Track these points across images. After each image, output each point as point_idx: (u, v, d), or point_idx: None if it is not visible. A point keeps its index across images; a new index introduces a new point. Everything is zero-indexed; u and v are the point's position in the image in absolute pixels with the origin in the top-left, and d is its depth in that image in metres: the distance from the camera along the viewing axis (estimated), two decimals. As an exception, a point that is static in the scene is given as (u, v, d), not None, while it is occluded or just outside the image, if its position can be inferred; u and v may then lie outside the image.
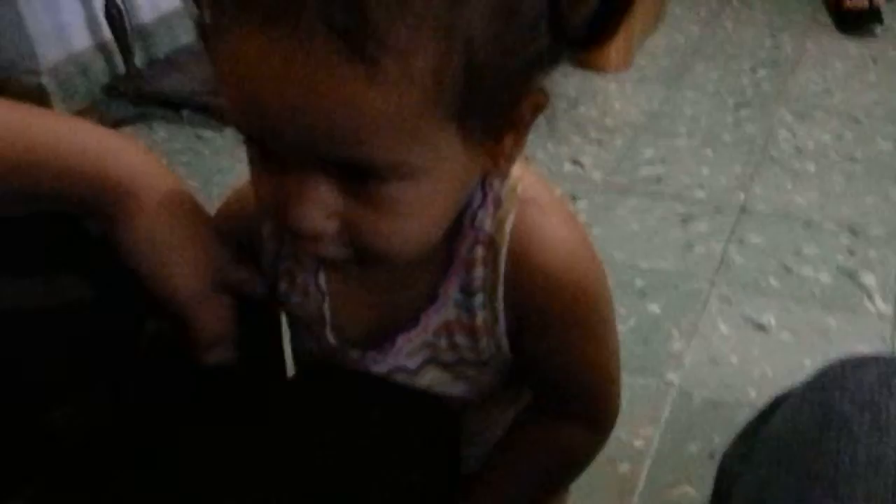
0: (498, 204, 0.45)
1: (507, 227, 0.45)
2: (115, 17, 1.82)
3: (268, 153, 0.38)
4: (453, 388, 0.52)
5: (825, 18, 2.17)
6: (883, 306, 1.16)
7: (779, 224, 1.36)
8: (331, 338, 0.51)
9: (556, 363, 0.50)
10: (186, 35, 2.11)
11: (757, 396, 1.02)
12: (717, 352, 1.09)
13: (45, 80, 1.84)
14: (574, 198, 1.45)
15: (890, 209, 1.38)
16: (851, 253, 1.28)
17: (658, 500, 0.91)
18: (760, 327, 1.13)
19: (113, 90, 1.93)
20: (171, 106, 1.87)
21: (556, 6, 0.37)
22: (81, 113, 1.89)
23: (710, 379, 1.05)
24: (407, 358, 0.50)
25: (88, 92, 1.93)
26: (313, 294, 0.51)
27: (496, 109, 0.38)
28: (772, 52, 2.02)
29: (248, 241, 0.52)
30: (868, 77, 1.86)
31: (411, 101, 0.33)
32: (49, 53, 1.84)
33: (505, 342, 0.49)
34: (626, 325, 1.14)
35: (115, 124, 1.83)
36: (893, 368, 0.35)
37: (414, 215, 0.39)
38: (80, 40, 1.91)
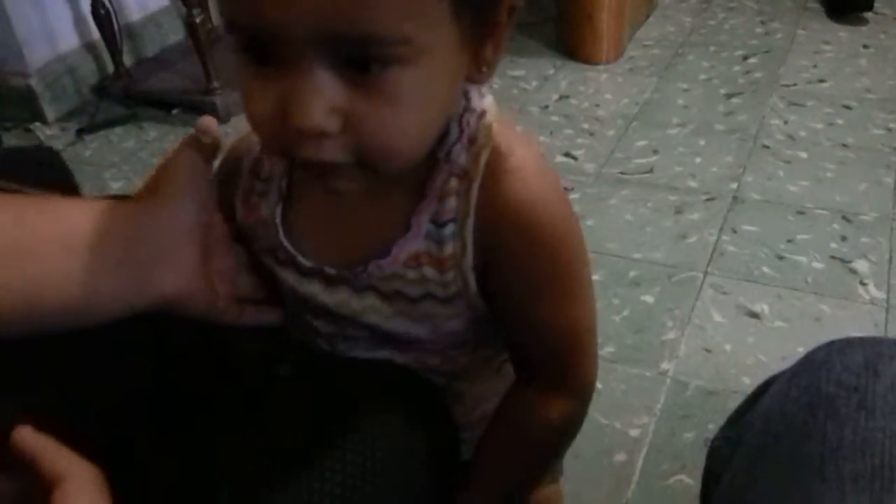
0: (473, 140, 0.47)
1: (482, 160, 0.46)
2: (102, 16, 1.81)
3: (265, 56, 0.38)
4: (418, 328, 0.52)
5: (816, 5, 2.17)
6: (876, 292, 1.16)
7: (771, 212, 1.36)
8: (303, 260, 0.51)
9: (525, 312, 0.50)
10: (175, 34, 2.10)
11: (751, 384, 1.00)
12: (710, 341, 1.09)
13: (33, 81, 1.83)
14: (567, 190, 1.44)
15: (882, 195, 1.38)
16: (844, 239, 1.28)
17: (654, 489, 0.91)
18: (754, 315, 1.13)
19: (102, 90, 1.93)
20: (161, 105, 1.87)
21: None
22: (71, 114, 1.89)
23: (705, 368, 1.05)
24: (378, 284, 0.51)
25: (77, 92, 1.92)
26: (272, 229, 0.52)
27: (485, 11, 0.40)
28: (763, 40, 2.01)
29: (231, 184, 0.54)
30: (859, 63, 1.86)
31: None
32: (37, 54, 1.84)
33: (472, 278, 0.49)
34: (619, 316, 1.14)
35: (105, 124, 1.82)
36: (879, 350, 0.34)
37: (414, 104, 0.40)
38: (68, 41, 1.90)
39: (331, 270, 0.51)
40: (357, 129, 0.39)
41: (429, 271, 0.49)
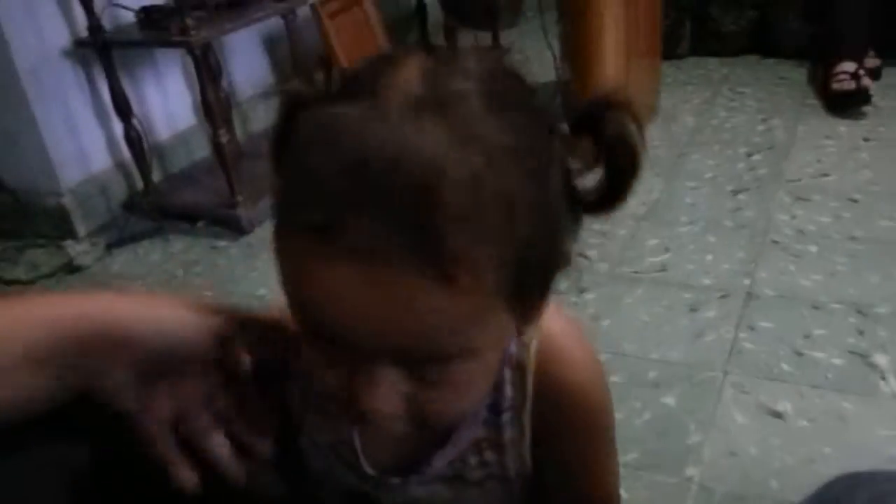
0: (521, 331, 0.49)
1: (532, 351, 0.50)
2: (133, 138, 1.91)
3: (333, 349, 0.40)
4: None
5: (814, 101, 2.25)
6: (898, 387, 1.16)
7: (786, 308, 1.37)
8: (368, 469, 0.53)
9: (571, 483, 0.53)
10: (201, 150, 2.20)
11: (779, 488, 1.01)
12: (735, 443, 1.09)
13: (65, 200, 1.92)
14: (581, 290, 1.47)
15: (895, 287, 1.40)
16: (861, 333, 1.29)
17: None
18: (777, 415, 1.13)
19: (131, 206, 2.01)
20: (188, 218, 1.94)
21: (574, 190, 0.43)
22: (101, 229, 1.96)
23: (731, 472, 1.04)
24: (442, 471, 0.53)
25: (107, 209, 2.01)
26: (343, 425, 0.53)
27: (539, 288, 0.43)
28: (765, 136, 2.08)
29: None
30: (861, 157, 1.91)
31: (480, 301, 0.38)
32: (70, 175, 1.93)
33: (529, 456, 0.52)
34: (641, 419, 1.14)
35: (133, 238, 1.89)
36: (884, 489, 0.36)
37: (474, 387, 0.43)
38: (100, 161, 2.00)
39: (394, 480, 0.53)
40: (422, 409, 0.41)
41: (489, 455, 0.52)
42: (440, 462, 0.52)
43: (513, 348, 0.50)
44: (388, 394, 0.40)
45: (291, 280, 0.40)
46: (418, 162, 0.35)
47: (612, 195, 0.44)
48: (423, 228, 0.34)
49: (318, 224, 0.36)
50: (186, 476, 0.48)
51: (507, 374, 0.50)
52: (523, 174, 0.38)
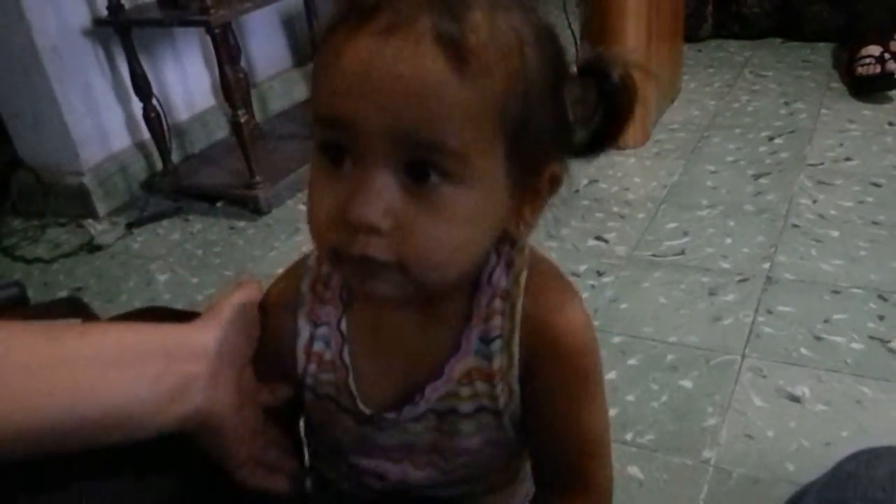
0: (510, 263, 0.52)
1: (522, 281, 0.52)
2: (153, 118, 1.92)
3: (339, 158, 0.44)
4: (471, 440, 0.56)
5: (839, 86, 2.21)
6: (918, 373, 1.15)
7: (806, 292, 1.36)
8: (364, 408, 0.55)
9: (556, 420, 0.54)
10: (220, 131, 2.21)
11: (795, 471, 1.00)
12: (752, 426, 1.09)
13: (86, 179, 1.93)
14: (599, 273, 1.47)
15: (918, 273, 1.38)
16: (881, 319, 1.27)
17: (702, 583, 0.89)
18: (795, 399, 1.13)
19: (151, 186, 2.02)
20: (207, 199, 1.95)
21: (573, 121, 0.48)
22: (121, 209, 1.98)
23: (747, 455, 1.04)
24: (435, 405, 0.54)
25: (127, 189, 2.02)
26: (339, 368, 0.55)
27: (531, 157, 0.46)
28: (787, 120, 2.06)
29: (284, 332, 0.56)
30: (886, 141, 1.88)
31: (484, 98, 0.42)
32: (91, 155, 1.95)
33: (517, 388, 0.53)
34: (658, 402, 1.14)
35: (153, 218, 1.91)
36: (905, 461, 0.36)
37: (459, 222, 0.44)
38: (120, 141, 2.02)
39: (389, 415, 0.55)
40: (405, 233, 0.43)
41: (480, 385, 0.53)
42: (433, 394, 0.53)
43: (503, 280, 0.52)
44: (379, 203, 0.42)
45: (328, 66, 0.43)
46: None
47: (603, 139, 0.50)
48: (454, 16, 0.41)
49: (369, 3, 0.42)
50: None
51: (498, 303, 0.52)
52: (538, 47, 0.45)
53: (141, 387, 0.49)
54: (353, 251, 0.43)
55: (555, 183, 0.49)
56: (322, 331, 0.56)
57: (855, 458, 0.39)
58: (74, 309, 0.76)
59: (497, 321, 0.52)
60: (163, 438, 0.51)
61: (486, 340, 0.52)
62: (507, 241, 0.52)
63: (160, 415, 0.50)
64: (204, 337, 0.52)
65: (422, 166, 0.42)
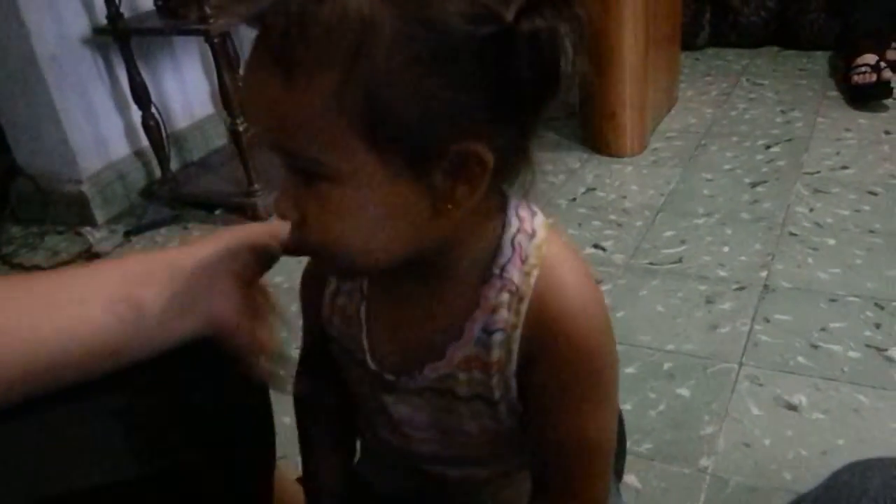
0: (525, 259, 0.52)
1: (532, 279, 0.52)
2: (151, 127, 1.93)
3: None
4: (469, 424, 0.58)
5: (835, 94, 2.22)
6: (915, 381, 1.15)
7: (803, 300, 1.37)
8: (371, 363, 0.58)
9: (553, 416, 0.54)
10: (219, 139, 2.21)
11: (792, 480, 1.01)
12: (749, 434, 1.09)
13: (85, 187, 1.94)
14: (597, 282, 1.47)
15: (914, 281, 1.39)
16: (878, 327, 1.28)
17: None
18: (792, 407, 1.13)
19: (149, 193, 2.03)
20: (205, 206, 1.95)
21: (501, 85, 0.43)
22: (119, 216, 1.98)
23: (745, 463, 1.04)
24: (433, 384, 0.57)
25: (126, 196, 2.03)
26: (356, 326, 0.59)
27: (414, 145, 0.44)
28: (784, 129, 2.06)
29: (317, 285, 0.62)
30: (882, 150, 1.89)
31: (314, 107, 0.43)
32: (89, 162, 1.95)
33: (514, 383, 0.54)
34: (656, 411, 1.15)
35: (151, 226, 1.91)
36: (895, 473, 0.36)
37: (343, 218, 0.47)
38: (119, 149, 2.02)
39: (389, 377, 0.58)
40: (309, 224, 0.48)
41: (477, 374, 0.54)
42: (431, 373, 0.55)
43: (515, 275, 0.52)
44: (283, 193, 0.48)
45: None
46: None
47: (536, 99, 0.46)
48: (286, 36, 0.42)
49: (248, 13, 0.45)
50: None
51: (505, 297, 0.52)
52: (399, 23, 0.42)
53: (153, 305, 0.55)
54: (290, 236, 0.50)
55: (483, 164, 0.45)
56: (346, 287, 0.60)
57: (848, 469, 0.39)
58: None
59: (502, 314, 0.52)
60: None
61: (488, 332, 0.53)
62: (523, 233, 0.52)
63: (176, 324, 0.56)
64: (201, 252, 0.58)
65: (299, 169, 0.47)
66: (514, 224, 0.53)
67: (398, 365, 0.57)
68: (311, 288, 0.63)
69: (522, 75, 0.43)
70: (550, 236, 0.54)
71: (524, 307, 0.52)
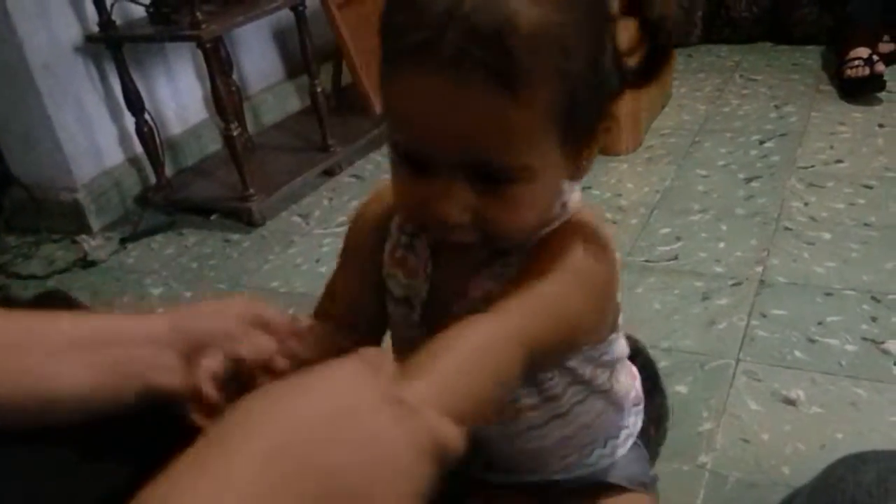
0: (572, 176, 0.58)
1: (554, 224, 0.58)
2: (146, 133, 1.93)
3: (418, 165, 0.51)
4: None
5: (828, 88, 2.23)
6: (912, 374, 1.16)
7: (799, 295, 1.37)
8: (422, 316, 0.62)
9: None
10: (213, 144, 2.21)
11: (791, 474, 1.01)
12: (748, 430, 1.09)
13: (80, 195, 1.93)
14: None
15: (910, 274, 1.39)
16: (874, 320, 1.28)
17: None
18: (790, 402, 1.13)
19: (144, 200, 2.02)
20: (201, 212, 1.95)
21: (620, 61, 0.54)
22: (114, 224, 1.98)
23: (743, 459, 1.04)
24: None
25: (121, 203, 2.03)
26: (420, 275, 0.62)
27: (585, 129, 0.53)
28: (778, 124, 2.07)
29: (373, 239, 0.65)
30: (876, 143, 1.89)
31: (537, 119, 0.49)
32: (84, 170, 1.95)
33: None
34: (653, 407, 1.14)
35: (147, 232, 1.91)
36: (890, 466, 0.36)
37: (529, 208, 0.52)
38: (113, 156, 2.02)
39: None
40: (484, 222, 0.52)
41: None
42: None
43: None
44: (458, 204, 0.50)
45: (393, 99, 0.51)
46: (501, 3, 0.46)
47: (649, 71, 0.56)
48: (500, 49, 0.45)
49: (421, 40, 0.46)
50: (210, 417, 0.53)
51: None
52: (581, 32, 0.49)
53: (91, 372, 0.53)
54: (443, 237, 0.54)
55: (607, 129, 0.55)
56: (406, 240, 0.63)
57: (843, 462, 0.40)
58: (60, 300, 0.78)
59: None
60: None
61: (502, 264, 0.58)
62: (574, 181, 0.58)
63: (115, 394, 0.54)
64: (152, 326, 0.57)
65: (488, 177, 0.50)
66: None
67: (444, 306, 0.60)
68: (370, 240, 0.65)
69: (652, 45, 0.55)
70: (584, 206, 0.60)
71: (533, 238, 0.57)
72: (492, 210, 0.51)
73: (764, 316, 1.32)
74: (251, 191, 1.86)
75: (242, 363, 0.55)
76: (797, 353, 1.23)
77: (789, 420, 1.10)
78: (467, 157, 0.49)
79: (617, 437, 0.73)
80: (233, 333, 0.56)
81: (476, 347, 0.47)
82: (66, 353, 0.53)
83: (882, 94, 2.10)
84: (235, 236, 1.85)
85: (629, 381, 0.73)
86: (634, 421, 0.76)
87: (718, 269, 1.47)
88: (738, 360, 1.23)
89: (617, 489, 0.73)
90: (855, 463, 0.38)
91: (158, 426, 0.53)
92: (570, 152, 0.53)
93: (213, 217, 1.94)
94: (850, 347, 1.23)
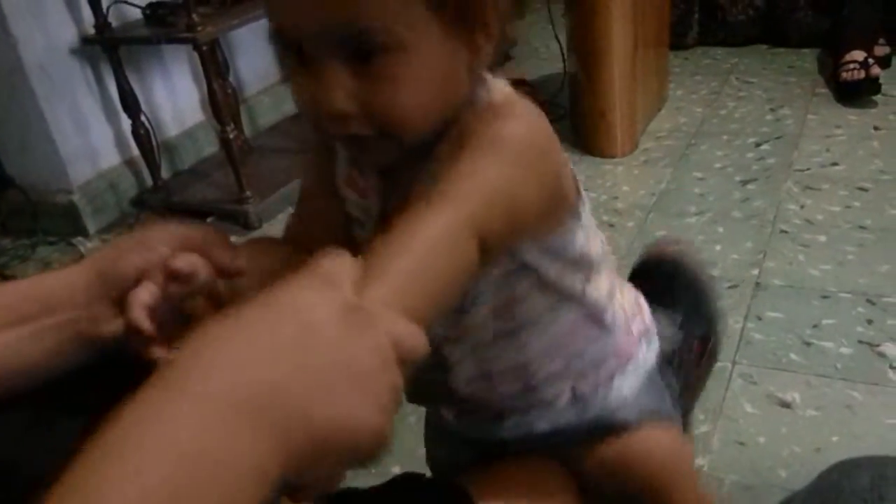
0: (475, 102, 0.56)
1: (478, 108, 0.55)
2: (142, 135, 1.92)
3: (299, 56, 0.50)
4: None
5: (824, 91, 2.23)
6: (907, 376, 1.16)
7: (795, 297, 1.37)
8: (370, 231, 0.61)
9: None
10: (209, 146, 2.21)
11: (787, 477, 1.01)
12: (744, 433, 1.09)
13: (76, 197, 1.93)
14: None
15: (905, 276, 1.39)
16: (870, 323, 1.28)
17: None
18: (785, 405, 1.13)
19: (141, 203, 2.02)
20: (197, 214, 1.95)
21: None
22: (111, 226, 1.98)
23: (739, 462, 1.04)
24: None
25: (117, 206, 2.02)
26: (371, 197, 0.61)
27: (464, 9, 0.50)
28: (774, 126, 2.07)
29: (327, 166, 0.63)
30: (872, 146, 1.90)
31: None
32: (79, 172, 1.94)
33: None
34: (649, 410, 1.15)
35: (143, 235, 1.90)
36: (883, 473, 0.36)
37: (410, 84, 0.49)
38: (109, 158, 2.01)
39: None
40: (370, 107, 0.49)
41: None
42: None
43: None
44: (338, 91, 0.49)
45: None
46: None
47: None
48: None
49: None
50: (151, 347, 0.50)
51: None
52: None
53: (16, 344, 0.51)
54: (337, 132, 0.51)
55: (497, 5, 0.52)
56: (350, 157, 0.61)
57: (837, 468, 0.40)
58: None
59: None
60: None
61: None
62: (476, 65, 0.54)
63: (61, 358, 0.52)
64: (76, 281, 0.53)
65: (362, 50, 0.48)
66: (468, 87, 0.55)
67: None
68: (320, 165, 0.64)
69: None
70: (510, 90, 0.57)
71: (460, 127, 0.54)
72: (374, 93, 0.49)
73: (760, 318, 1.33)
74: (247, 193, 1.86)
75: (175, 286, 0.51)
76: (793, 356, 1.23)
77: (785, 423, 1.10)
78: (332, 27, 0.47)
79: (620, 370, 0.68)
80: (161, 262, 0.51)
81: (431, 241, 0.45)
82: (8, 327, 0.51)
83: (877, 97, 2.10)
84: (232, 239, 1.84)
85: (620, 299, 0.69)
86: (645, 355, 0.71)
87: (715, 272, 1.47)
88: (734, 363, 1.23)
89: (632, 429, 0.68)
90: (849, 468, 0.38)
91: (113, 374, 0.50)
92: (454, 29, 0.50)
93: (209, 220, 1.93)
94: (845, 350, 1.23)
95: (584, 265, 0.63)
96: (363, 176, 0.61)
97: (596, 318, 0.66)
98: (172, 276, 0.50)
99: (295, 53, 0.50)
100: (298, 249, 0.61)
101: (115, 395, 0.43)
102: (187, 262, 0.51)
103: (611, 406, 0.68)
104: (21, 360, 0.51)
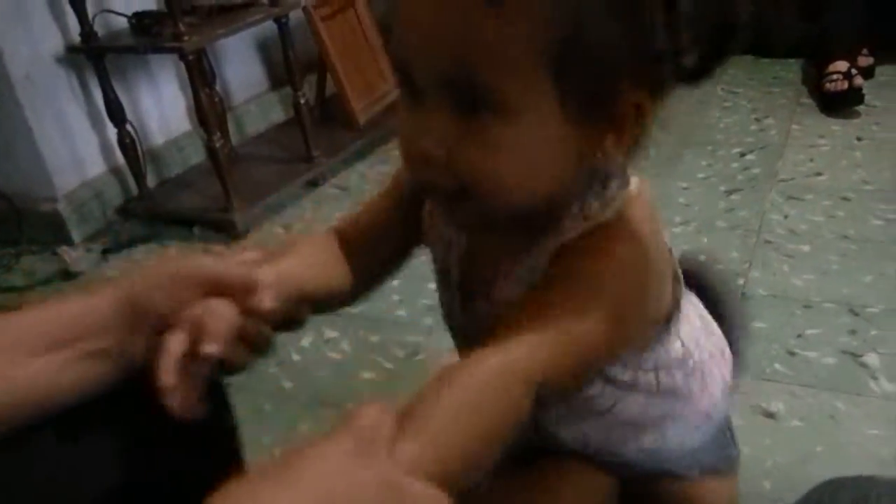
0: (588, 217, 0.54)
1: (589, 224, 0.54)
2: (127, 144, 1.91)
3: (412, 91, 0.49)
4: None
5: (808, 101, 2.25)
6: (888, 386, 1.17)
7: (779, 307, 1.38)
8: (454, 278, 0.62)
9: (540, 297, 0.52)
10: (196, 155, 2.20)
11: (772, 489, 1.01)
12: (727, 443, 1.09)
13: (60, 206, 1.92)
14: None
15: (887, 286, 1.40)
16: (853, 333, 1.29)
17: None
18: (769, 415, 1.14)
19: (126, 211, 2.01)
20: (183, 223, 1.94)
21: (676, 39, 0.47)
22: (96, 235, 1.96)
23: (723, 472, 1.04)
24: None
25: (102, 214, 2.01)
26: (453, 255, 0.62)
27: (592, 90, 0.47)
28: (758, 136, 2.09)
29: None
30: (855, 156, 1.92)
31: (521, 41, 0.44)
32: (65, 181, 1.93)
33: None
34: (635, 421, 1.15)
35: (129, 244, 1.89)
36: (865, 493, 0.37)
37: (508, 153, 0.47)
38: (94, 167, 2.00)
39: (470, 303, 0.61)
40: (457, 159, 0.48)
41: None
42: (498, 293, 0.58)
43: (570, 231, 0.53)
44: (433, 133, 0.48)
45: (395, 15, 0.49)
46: None
47: (699, 72, 0.51)
48: None
49: None
50: (177, 402, 0.49)
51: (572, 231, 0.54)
52: None
53: (52, 373, 0.52)
54: (418, 176, 0.51)
55: (641, 115, 0.49)
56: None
57: (820, 489, 0.40)
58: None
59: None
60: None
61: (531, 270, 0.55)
62: (598, 197, 0.54)
63: (92, 384, 0.53)
64: (106, 309, 0.53)
65: (469, 101, 0.46)
66: (584, 180, 0.54)
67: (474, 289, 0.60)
68: (409, 203, 0.64)
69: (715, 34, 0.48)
70: (639, 199, 0.56)
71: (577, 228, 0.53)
72: (466, 146, 0.47)
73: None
74: (234, 202, 1.85)
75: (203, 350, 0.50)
76: (777, 366, 1.24)
77: (769, 433, 1.10)
78: (445, 67, 0.46)
79: (690, 432, 0.69)
80: (191, 304, 0.51)
81: (479, 390, 0.44)
82: (42, 354, 0.52)
83: (860, 108, 2.13)
84: (218, 248, 1.84)
85: (699, 356, 0.67)
86: (719, 411, 0.71)
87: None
88: (718, 373, 1.23)
89: (694, 478, 0.70)
90: (833, 489, 0.38)
91: (136, 399, 0.52)
92: (576, 117, 0.47)
93: (195, 228, 1.93)
94: (829, 360, 1.24)
95: (663, 367, 0.63)
96: (448, 229, 0.62)
97: (666, 394, 0.65)
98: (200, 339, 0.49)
99: (408, 85, 0.50)
100: (346, 248, 0.64)
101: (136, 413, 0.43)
102: (216, 332, 0.49)
103: (672, 458, 0.69)
104: (55, 388, 0.52)
